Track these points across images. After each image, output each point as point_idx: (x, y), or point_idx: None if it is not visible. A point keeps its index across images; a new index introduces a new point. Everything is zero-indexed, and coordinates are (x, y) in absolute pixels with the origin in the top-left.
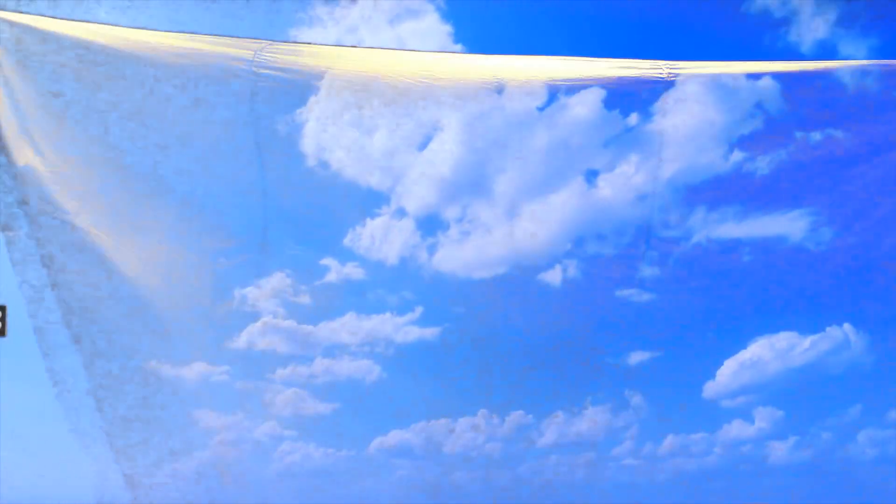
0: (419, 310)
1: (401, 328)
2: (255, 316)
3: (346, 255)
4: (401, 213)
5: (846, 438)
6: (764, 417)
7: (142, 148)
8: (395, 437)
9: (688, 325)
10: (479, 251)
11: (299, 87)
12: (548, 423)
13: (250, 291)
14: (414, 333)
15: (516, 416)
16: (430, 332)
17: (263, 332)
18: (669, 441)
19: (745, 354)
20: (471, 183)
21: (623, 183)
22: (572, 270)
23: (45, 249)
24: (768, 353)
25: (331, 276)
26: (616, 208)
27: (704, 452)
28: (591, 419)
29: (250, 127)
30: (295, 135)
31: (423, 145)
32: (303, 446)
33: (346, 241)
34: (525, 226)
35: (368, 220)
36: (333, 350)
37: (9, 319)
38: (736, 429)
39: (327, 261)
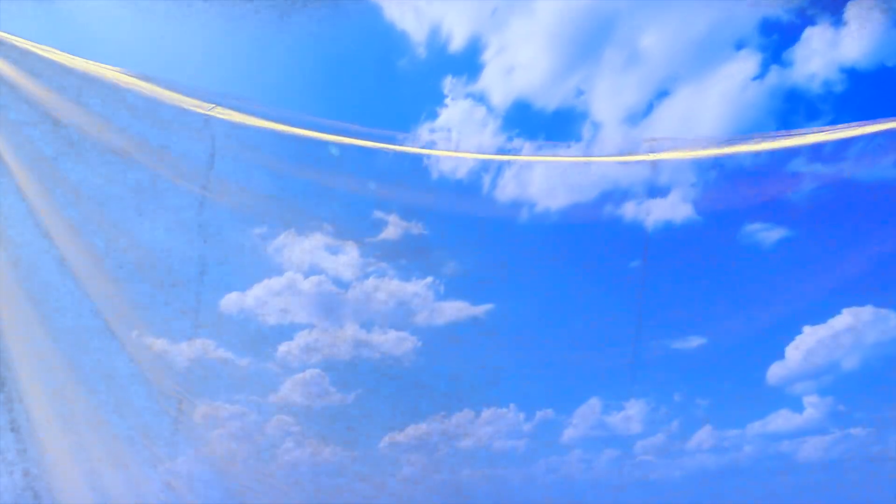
0: (475, 280)
1: (446, 304)
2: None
3: (396, 172)
4: (482, 97)
5: (888, 432)
6: (818, 407)
7: None
8: (410, 431)
9: (779, 286)
10: (579, 169)
11: None
12: (580, 416)
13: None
14: (461, 311)
15: (548, 411)
16: (482, 310)
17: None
18: (702, 436)
19: (832, 326)
20: (588, 58)
21: (799, 71)
22: (695, 194)
23: None
24: (853, 328)
25: (387, 232)
26: (778, 108)
27: (734, 448)
28: (629, 412)
29: None
30: None
31: None
32: (311, 442)
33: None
34: (657, 126)
35: (441, 110)
36: (362, 326)
37: None
38: (781, 420)
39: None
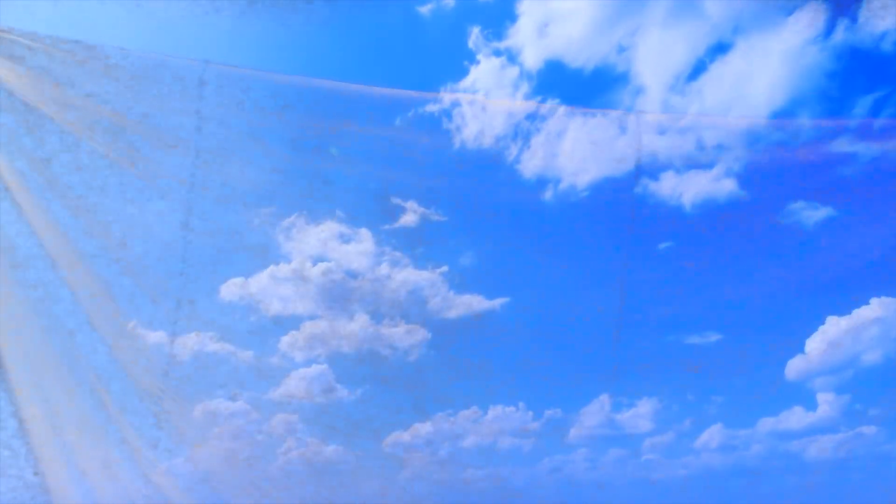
0: (491, 271)
1: (460, 296)
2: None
3: (415, 140)
4: (513, 54)
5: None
6: (832, 405)
7: None
8: (415, 430)
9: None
10: (613, 140)
11: None
12: (590, 414)
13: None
14: (476, 304)
15: (557, 409)
16: (497, 303)
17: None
18: (711, 435)
19: (859, 316)
20: (634, 6)
21: (868, 28)
22: (739, 167)
23: None
24: (881, 320)
25: (405, 219)
26: (843, 69)
27: (743, 447)
28: (640, 410)
29: None
30: None
31: None
32: (313, 440)
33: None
34: (705, 92)
35: (469, 67)
36: (372, 317)
37: None
38: (794, 418)
39: (398, 200)
